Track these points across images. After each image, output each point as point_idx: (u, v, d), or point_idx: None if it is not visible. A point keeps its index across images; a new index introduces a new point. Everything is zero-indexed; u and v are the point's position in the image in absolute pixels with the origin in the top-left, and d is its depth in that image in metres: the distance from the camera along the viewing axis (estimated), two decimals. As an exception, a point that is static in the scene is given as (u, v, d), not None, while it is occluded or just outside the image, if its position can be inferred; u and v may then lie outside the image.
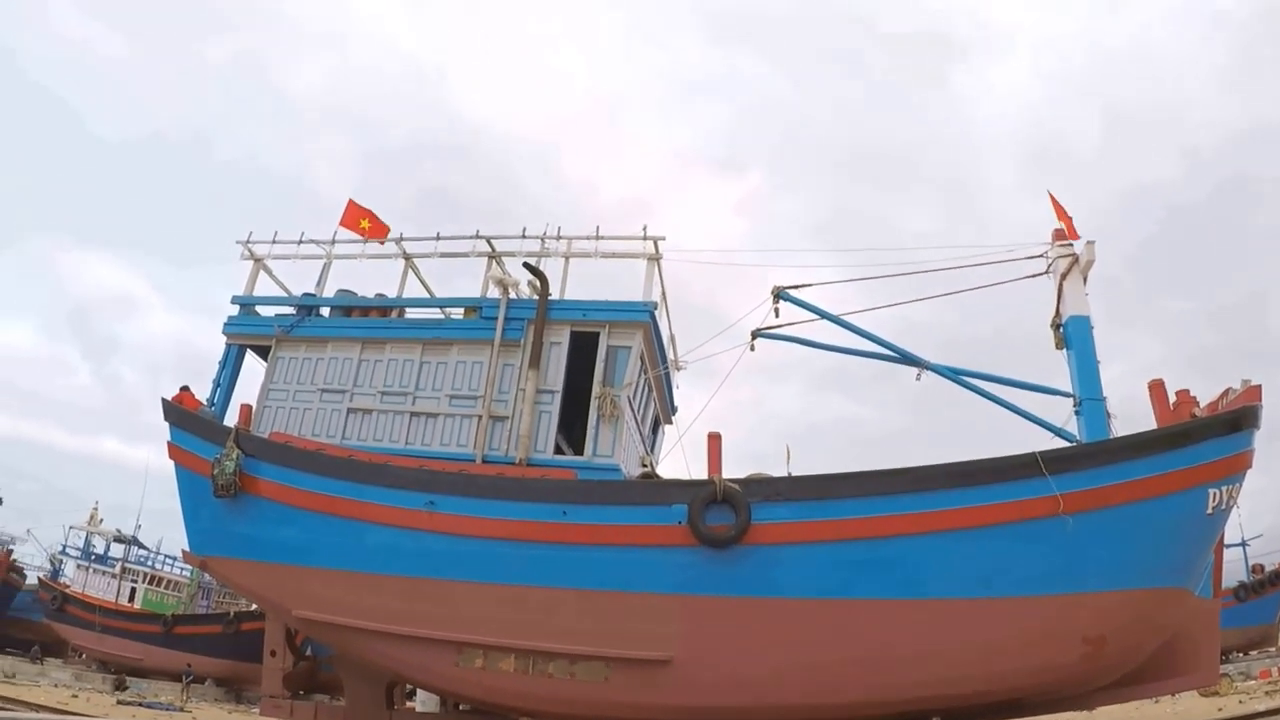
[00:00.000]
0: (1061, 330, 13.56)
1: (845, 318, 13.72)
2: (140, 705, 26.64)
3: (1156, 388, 12.86)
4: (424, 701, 17.62)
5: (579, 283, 14.53)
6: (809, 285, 13.63)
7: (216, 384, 15.80)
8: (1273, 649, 40.96)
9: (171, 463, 14.97)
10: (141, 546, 40.05)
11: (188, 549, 14.61)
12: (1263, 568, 43.27)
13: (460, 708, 14.42)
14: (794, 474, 12.36)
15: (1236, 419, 11.87)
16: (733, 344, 13.72)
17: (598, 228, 14.43)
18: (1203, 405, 12.63)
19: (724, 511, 11.64)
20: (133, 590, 37.66)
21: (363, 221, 15.90)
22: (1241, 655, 39.02)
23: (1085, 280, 13.59)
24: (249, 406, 14.99)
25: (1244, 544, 48.43)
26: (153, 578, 38.49)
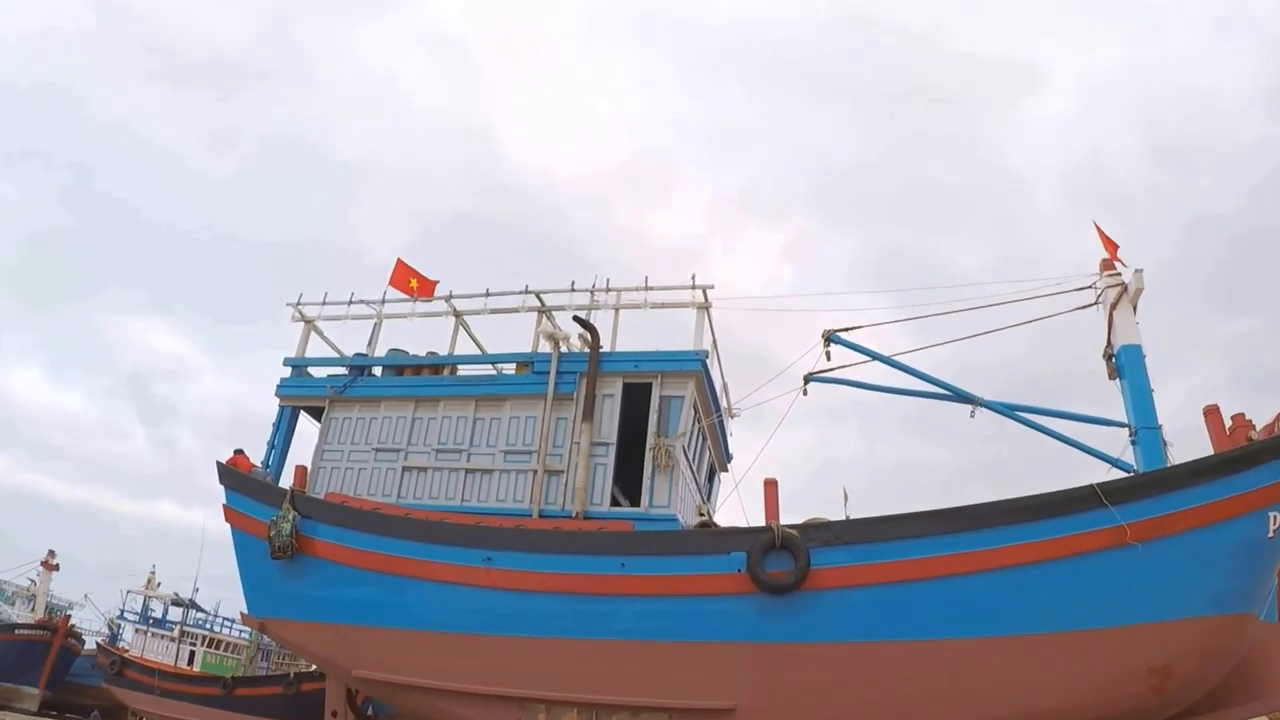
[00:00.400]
0: (1114, 360, 13.46)
1: (897, 358, 13.69)
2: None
3: (1212, 413, 12.69)
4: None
5: (630, 332, 14.62)
6: (859, 327, 13.63)
7: (271, 445, 16.01)
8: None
9: (228, 525, 15.11)
10: (199, 609, 40.14)
11: (246, 611, 14.74)
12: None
13: None
14: (853, 517, 12.30)
15: None
16: (785, 389, 13.73)
17: (646, 278, 14.59)
18: (1259, 428, 12.45)
19: (783, 558, 11.59)
20: (191, 653, 37.71)
21: (411, 281, 16.13)
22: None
23: (1135, 309, 13.49)
24: (304, 468, 15.16)
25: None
26: (211, 640, 38.50)
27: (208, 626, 39.58)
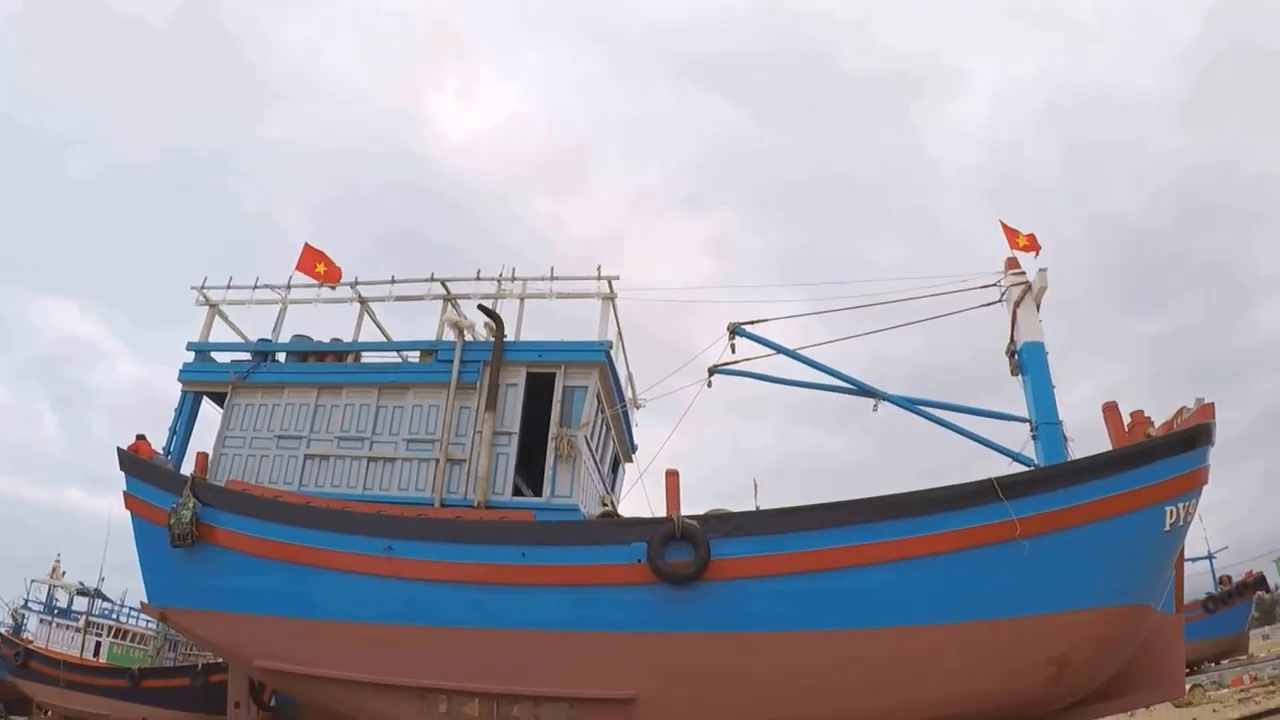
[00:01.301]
0: (1016, 357, 13.71)
1: (804, 352, 13.80)
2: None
3: (1111, 410, 13.03)
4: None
5: (541, 325, 14.54)
6: (765, 320, 13.73)
7: (173, 432, 15.58)
8: (1243, 657, 41.27)
9: (128, 513, 14.74)
10: (105, 599, 39.26)
11: (146, 601, 14.39)
12: (1230, 579, 43.68)
13: None
14: (761, 508, 12.39)
15: (1191, 437, 12.06)
16: (695, 380, 13.78)
17: (552, 269, 14.52)
18: (1157, 425, 12.80)
19: (683, 548, 11.63)
20: (98, 644, 36.87)
21: (319, 265, 15.79)
22: (1214, 665, 39.34)
23: (1039, 307, 13.76)
24: (205, 454, 14.80)
25: (1211, 557, 49.16)
26: (118, 631, 37.68)
27: (114, 617, 38.69)
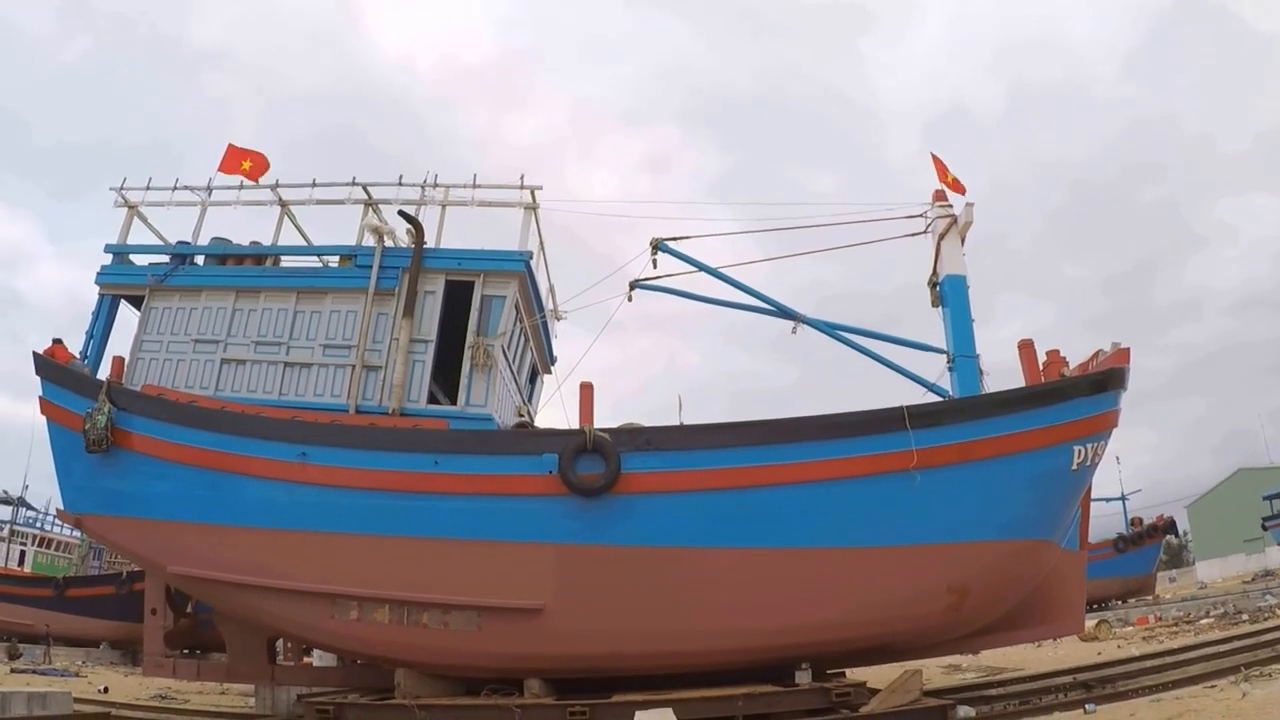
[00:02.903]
0: (938, 289, 13.83)
1: (727, 271, 13.80)
2: (35, 673, 25.88)
3: (1026, 347, 13.24)
4: (321, 656, 17.48)
5: (467, 235, 14.29)
6: (688, 237, 13.68)
7: (90, 336, 15.21)
8: (1150, 597, 42.83)
9: (44, 418, 14.47)
10: (30, 508, 38.82)
11: (61, 507, 14.21)
12: (1141, 521, 45.11)
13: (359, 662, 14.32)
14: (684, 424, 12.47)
15: (1103, 380, 12.31)
16: (616, 294, 13.76)
17: (474, 176, 14.27)
18: (1073, 366, 13.01)
19: (594, 461, 11.71)
20: (22, 553, 36.58)
21: (244, 163, 15.32)
22: (1121, 603, 40.78)
23: (963, 241, 13.86)
24: (121, 359, 14.49)
25: (1124, 498, 50.77)
26: (43, 539, 37.37)
27: (39, 525, 38.31)
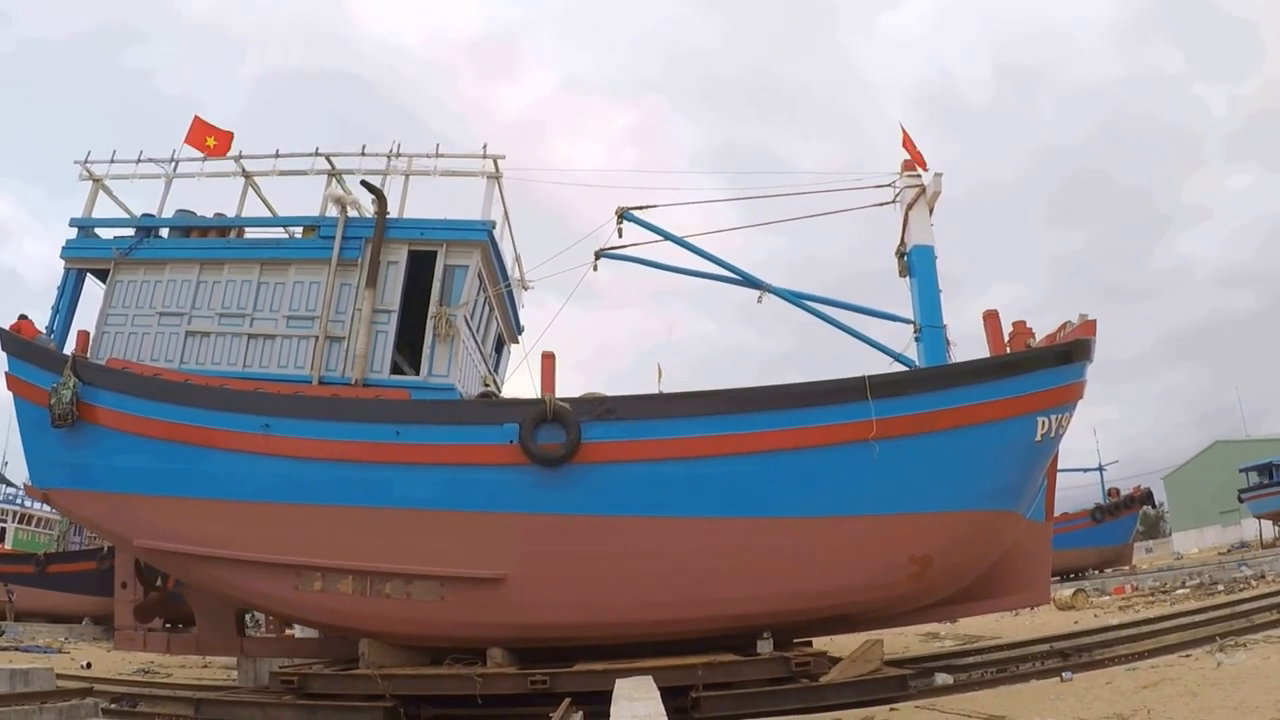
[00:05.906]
0: (905, 259, 13.81)
1: (693, 240, 13.76)
2: (16, 649, 25.95)
3: (991, 318, 13.21)
4: (302, 629, 17.50)
5: (435, 205, 14.16)
6: (654, 206, 13.64)
7: (55, 310, 15.12)
8: (1127, 567, 43.09)
9: (10, 394, 14.42)
10: (9, 484, 38.68)
11: (29, 482, 14.18)
12: (1118, 491, 45.36)
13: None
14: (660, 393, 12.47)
15: (1068, 351, 12.31)
16: (582, 263, 13.73)
17: (437, 145, 14.11)
18: (1040, 337, 13.00)
19: (555, 430, 11.70)
20: (2, 530, 36.56)
21: (209, 139, 15.24)
22: (1098, 573, 41.04)
23: (931, 211, 13.82)
24: (86, 333, 14.42)
25: (1101, 469, 51.04)
26: (23, 516, 37.31)
27: (18, 502, 38.21)
